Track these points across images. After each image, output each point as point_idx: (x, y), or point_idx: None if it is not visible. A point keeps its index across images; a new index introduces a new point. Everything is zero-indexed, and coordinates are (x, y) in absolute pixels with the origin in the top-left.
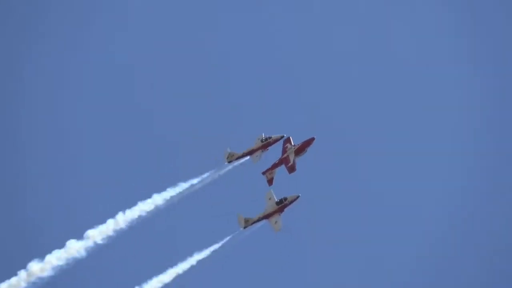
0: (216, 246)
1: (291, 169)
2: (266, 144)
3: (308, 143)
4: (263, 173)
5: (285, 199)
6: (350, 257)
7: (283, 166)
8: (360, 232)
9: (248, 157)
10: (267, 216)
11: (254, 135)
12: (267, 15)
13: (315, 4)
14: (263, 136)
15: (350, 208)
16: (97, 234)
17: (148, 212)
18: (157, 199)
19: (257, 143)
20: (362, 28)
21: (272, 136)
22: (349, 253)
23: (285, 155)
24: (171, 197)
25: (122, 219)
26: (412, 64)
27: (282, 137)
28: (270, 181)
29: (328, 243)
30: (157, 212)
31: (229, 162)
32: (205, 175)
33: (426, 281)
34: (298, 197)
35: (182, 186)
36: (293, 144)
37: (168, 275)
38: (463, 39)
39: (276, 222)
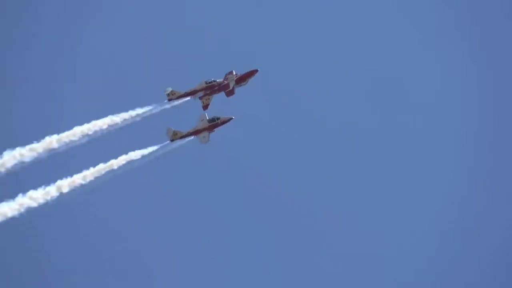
0: (142, 153)
1: (230, 93)
2: (210, 86)
3: (251, 73)
4: (200, 98)
5: (218, 118)
6: (349, 257)
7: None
8: (360, 232)
9: (189, 98)
10: (196, 132)
11: None
12: (266, 15)
13: (315, 4)
14: (208, 80)
15: (350, 208)
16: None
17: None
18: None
19: (201, 84)
20: (361, 28)
21: (217, 80)
22: (348, 253)
23: (225, 82)
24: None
25: None
26: (412, 64)
27: (226, 80)
28: (205, 107)
29: (328, 243)
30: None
31: (170, 100)
32: (145, 109)
33: (427, 281)
34: (231, 119)
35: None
36: (235, 73)
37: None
38: (464, 39)
39: (204, 136)
